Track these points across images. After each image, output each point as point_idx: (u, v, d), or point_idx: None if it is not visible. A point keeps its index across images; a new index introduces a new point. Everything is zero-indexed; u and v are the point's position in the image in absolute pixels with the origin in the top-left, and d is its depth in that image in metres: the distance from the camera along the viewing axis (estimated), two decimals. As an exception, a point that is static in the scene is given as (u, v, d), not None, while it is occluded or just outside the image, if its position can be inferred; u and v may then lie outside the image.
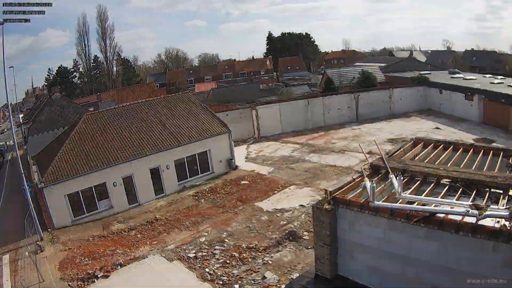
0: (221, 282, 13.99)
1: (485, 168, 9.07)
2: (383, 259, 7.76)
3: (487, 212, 6.37)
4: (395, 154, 10.52)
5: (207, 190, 23.74)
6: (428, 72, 47.53)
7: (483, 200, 7.43)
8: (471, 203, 6.86)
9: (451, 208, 6.99)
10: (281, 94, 51.22)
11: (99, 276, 15.19)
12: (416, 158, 10.27)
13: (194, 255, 16.15)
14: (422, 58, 72.76)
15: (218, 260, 15.58)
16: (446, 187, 8.13)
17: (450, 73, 45.83)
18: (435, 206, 7.31)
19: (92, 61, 77.70)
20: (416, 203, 7.46)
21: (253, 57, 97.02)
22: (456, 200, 7.49)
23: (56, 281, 15.14)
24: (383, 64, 55.26)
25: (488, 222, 6.48)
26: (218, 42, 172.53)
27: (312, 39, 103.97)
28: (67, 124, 31.13)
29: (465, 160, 9.67)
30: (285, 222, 18.17)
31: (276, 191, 22.10)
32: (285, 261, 14.92)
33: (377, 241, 7.79)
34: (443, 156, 10.17)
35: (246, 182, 24.17)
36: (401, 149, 10.95)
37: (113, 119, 25.14)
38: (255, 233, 17.60)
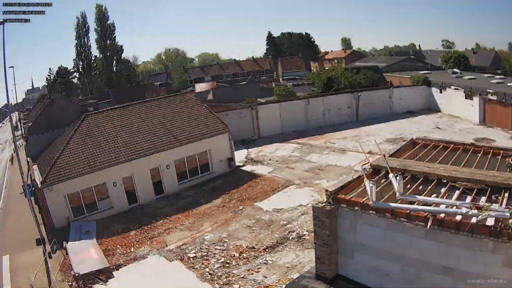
0: (221, 282, 14.00)
1: (485, 168, 9.07)
2: (383, 259, 7.76)
3: (487, 212, 6.37)
4: (395, 154, 10.51)
5: (207, 190, 23.74)
6: (428, 71, 47.57)
7: (483, 200, 7.43)
8: (471, 203, 6.86)
9: (451, 208, 6.99)
10: (281, 94, 51.06)
11: (99, 276, 15.19)
12: (416, 158, 10.27)
13: (194, 255, 16.15)
14: (422, 58, 72.79)
15: (218, 260, 15.58)
16: (446, 187, 8.13)
17: (450, 72, 45.84)
18: (435, 206, 7.31)
19: (92, 61, 77.55)
20: (416, 203, 7.46)
21: (253, 57, 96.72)
22: (456, 200, 7.49)
23: (57, 281, 15.14)
24: (383, 64, 55.31)
25: (488, 222, 6.48)
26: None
27: (312, 39, 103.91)
28: (67, 124, 31.08)
29: (465, 160, 9.67)
30: (285, 222, 18.17)
31: (276, 191, 22.11)
32: (285, 261, 14.92)
33: (377, 240, 7.79)
34: (443, 156, 10.17)
35: (246, 182, 24.16)
36: (401, 149, 10.95)
37: (113, 119, 25.12)
38: (255, 233, 17.60)
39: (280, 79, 77.92)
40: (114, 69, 76.94)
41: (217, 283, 13.94)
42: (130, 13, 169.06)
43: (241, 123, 33.76)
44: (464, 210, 6.63)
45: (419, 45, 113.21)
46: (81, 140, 22.87)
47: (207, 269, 14.94)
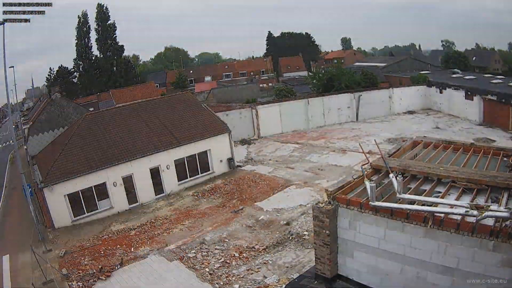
0: (221, 282, 14.00)
1: (485, 168, 9.07)
2: (383, 259, 7.75)
3: (487, 212, 6.36)
4: (395, 154, 10.49)
5: (207, 190, 23.75)
6: (428, 71, 47.61)
7: (483, 200, 7.43)
8: (471, 203, 6.85)
9: (451, 208, 6.98)
10: (280, 94, 51.10)
11: (99, 276, 15.20)
12: (416, 158, 10.26)
13: (194, 255, 16.15)
14: (422, 58, 72.82)
15: (218, 260, 15.58)
16: (446, 187, 8.13)
17: (450, 72, 45.88)
18: (435, 206, 7.30)
19: (92, 61, 77.43)
20: (416, 203, 7.45)
21: (253, 57, 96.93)
22: (456, 200, 7.49)
23: (57, 281, 15.15)
24: (383, 64, 55.37)
25: (488, 222, 6.47)
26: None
27: (312, 39, 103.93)
28: (67, 124, 31.10)
29: (465, 160, 9.66)
30: (285, 222, 18.17)
31: (276, 191, 22.11)
32: (285, 261, 14.92)
33: (377, 240, 7.78)
34: (443, 156, 10.15)
35: (246, 182, 24.16)
36: (401, 149, 10.92)
37: (113, 119, 25.13)
38: (255, 233, 17.60)
39: (280, 79, 78.02)
40: (115, 69, 76.80)
41: (217, 283, 13.94)
42: (130, 11, 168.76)
43: (241, 123, 33.81)
44: (464, 210, 6.62)
45: (419, 45, 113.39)
46: (81, 140, 22.87)
47: (207, 269, 14.94)
